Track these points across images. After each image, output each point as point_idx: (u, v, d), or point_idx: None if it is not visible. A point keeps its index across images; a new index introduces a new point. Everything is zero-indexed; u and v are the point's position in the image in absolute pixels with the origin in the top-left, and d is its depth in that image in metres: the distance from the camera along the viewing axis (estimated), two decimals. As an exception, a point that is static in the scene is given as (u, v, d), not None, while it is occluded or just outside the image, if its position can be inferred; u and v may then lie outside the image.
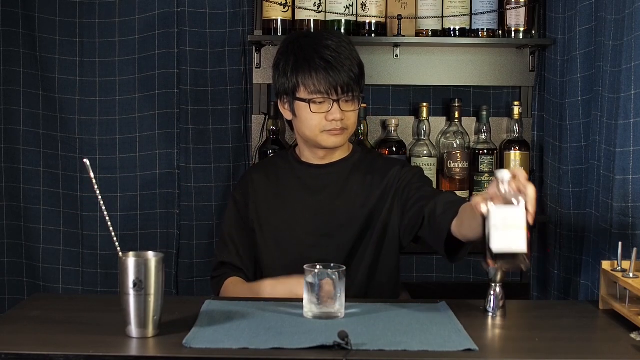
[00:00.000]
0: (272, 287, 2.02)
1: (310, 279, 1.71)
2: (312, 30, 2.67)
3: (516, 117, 2.79)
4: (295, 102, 2.09)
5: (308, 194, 2.17)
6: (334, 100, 2.05)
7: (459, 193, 2.75)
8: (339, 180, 2.17)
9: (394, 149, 2.76)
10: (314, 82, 2.04)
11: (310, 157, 2.19)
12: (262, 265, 2.19)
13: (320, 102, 2.06)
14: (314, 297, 1.70)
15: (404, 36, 2.71)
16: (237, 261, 2.19)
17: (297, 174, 2.20)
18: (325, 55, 2.04)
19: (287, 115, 2.15)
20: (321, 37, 2.10)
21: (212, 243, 2.81)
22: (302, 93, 2.07)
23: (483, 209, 1.49)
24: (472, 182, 2.79)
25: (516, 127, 2.79)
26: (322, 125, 2.08)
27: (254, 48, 2.80)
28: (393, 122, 2.79)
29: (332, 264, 1.76)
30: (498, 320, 1.76)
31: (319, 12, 2.68)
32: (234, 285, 2.16)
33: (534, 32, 2.80)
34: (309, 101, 2.06)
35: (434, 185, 2.74)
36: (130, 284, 1.56)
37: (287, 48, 2.12)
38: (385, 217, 2.14)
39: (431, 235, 1.95)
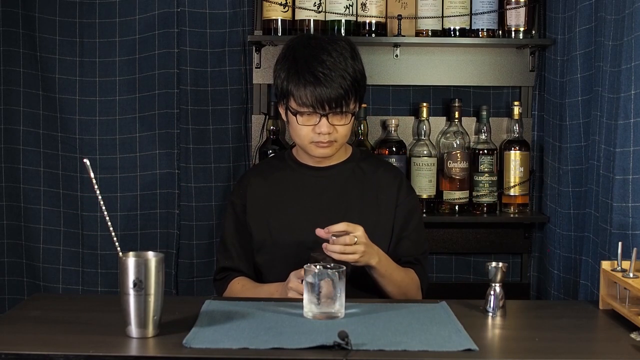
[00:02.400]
0: (276, 290, 2.03)
1: (310, 279, 1.71)
2: (312, 32, 2.67)
3: (516, 117, 2.80)
4: (287, 109, 2.10)
5: (306, 196, 2.17)
6: (321, 115, 2.04)
7: (458, 193, 2.76)
8: (337, 183, 2.17)
9: (394, 149, 2.76)
10: (300, 95, 2.03)
11: (307, 159, 2.19)
12: (260, 268, 2.18)
13: (308, 115, 2.06)
14: (314, 297, 1.70)
15: (404, 36, 2.71)
16: (238, 265, 2.19)
17: (296, 176, 2.20)
18: (316, 71, 2.02)
19: (284, 117, 2.16)
20: (319, 50, 2.06)
21: (212, 243, 2.81)
22: (292, 103, 2.07)
23: None
24: (472, 182, 2.79)
25: (516, 127, 2.79)
26: (310, 137, 2.08)
27: (254, 48, 2.80)
28: (393, 122, 2.79)
29: (332, 264, 1.76)
30: (498, 320, 1.76)
31: (319, 12, 2.68)
32: (242, 285, 2.16)
33: (534, 32, 2.80)
34: (296, 113, 2.06)
35: (434, 186, 2.76)
36: (130, 284, 1.56)
37: (287, 53, 2.10)
38: (384, 221, 2.14)
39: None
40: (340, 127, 2.07)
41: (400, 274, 2.08)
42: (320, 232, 1.91)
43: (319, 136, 2.06)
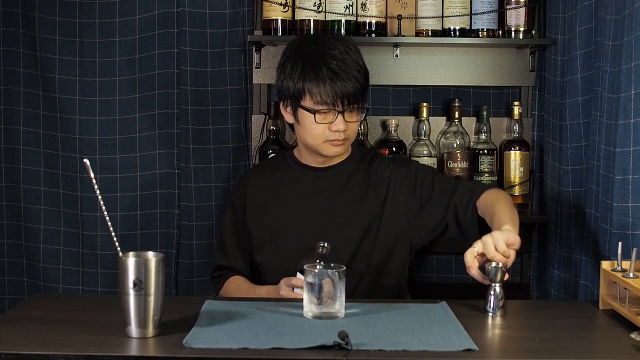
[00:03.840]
0: (267, 294, 2.03)
1: (310, 279, 1.71)
2: (312, 31, 2.67)
3: (516, 117, 2.80)
4: (299, 109, 2.09)
5: (307, 196, 2.17)
6: (338, 112, 2.04)
7: (459, 193, 2.75)
8: (338, 183, 2.17)
9: (394, 149, 2.76)
10: (320, 92, 2.02)
11: (310, 160, 2.19)
12: (260, 268, 2.18)
13: (325, 113, 2.05)
14: (314, 297, 1.71)
15: (404, 36, 2.71)
16: (235, 264, 2.19)
17: (296, 177, 2.19)
18: (332, 65, 2.02)
19: (289, 118, 2.14)
20: (328, 45, 2.07)
21: (212, 243, 2.81)
22: (307, 102, 2.05)
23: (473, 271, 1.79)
24: (472, 182, 2.79)
25: (516, 127, 2.79)
26: (325, 135, 2.07)
27: (254, 48, 2.80)
28: (393, 122, 2.79)
29: (332, 264, 1.76)
30: (498, 320, 1.76)
31: (319, 12, 2.68)
32: (236, 284, 2.16)
33: (534, 32, 2.80)
34: (314, 112, 2.05)
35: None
36: (130, 284, 1.56)
37: (295, 52, 2.09)
38: (388, 217, 2.13)
39: (460, 233, 2.12)
40: (352, 124, 2.08)
41: (509, 211, 1.95)
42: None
43: (335, 134, 2.06)
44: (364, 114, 2.11)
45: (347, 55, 2.05)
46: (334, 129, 2.05)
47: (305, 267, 1.74)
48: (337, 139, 2.07)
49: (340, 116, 2.04)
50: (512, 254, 1.76)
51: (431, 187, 2.14)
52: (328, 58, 2.03)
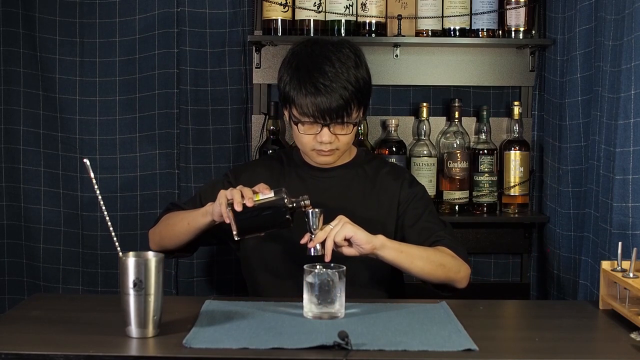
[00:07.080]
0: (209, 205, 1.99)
1: (310, 279, 1.71)
2: (312, 32, 2.66)
3: (516, 117, 2.80)
4: (290, 115, 2.09)
5: (308, 194, 2.17)
6: (323, 125, 2.03)
7: (458, 193, 2.76)
8: (341, 184, 2.17)
9: (394, 149, 2.76)
10: (301, 105, 2.01)
11: (310, 159, 2.19)
12: (256, 265, 2.17)
13: (310, 124, 2.05)
14: (314, 297, 1.71)
15: (404, 36, 2.71)
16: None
17: (300, 174, 2.20)
18: (317, 82, 1.99)
19: (287, 119, 2.15)
20: (322, 59, 2.03)
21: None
22: (294, 111, 2.05)
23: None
24: (472, 182, 2.79)
25: (516, 127, 2.79)
26: (311, 145, 2.07)
27: (254, 48, 2.80)
28: (393, 122, 2.79)
29: (332, 264, 1.76)
30: (497, 320, 1.76)
31: (319, 12, 2.68)
32: (174, 213, 2.14)
33: (534, 32, 2.80)
34: (297, 122, 2.05)
35: (434, 186, 2.75)
36: (130, 284, 1.56)
37: (291, 59, 2.08)
38: (386, 223, 2.13)
39: None
40: (342, 136, 2.06)
41: (419, 248, 2.00)
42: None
43: (321, 145, 2.05)
44: (354, 127, 2.08)
45: (340, 70, 2.01)
46: (319, 140, 2.05)
47: (305, 266, 1.74)
48: (323, 149, 2.06)
49: (325, 129, 2.03)
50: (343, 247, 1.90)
51: (415, 218, 2.13)
52: (316, 74, 2.01)
